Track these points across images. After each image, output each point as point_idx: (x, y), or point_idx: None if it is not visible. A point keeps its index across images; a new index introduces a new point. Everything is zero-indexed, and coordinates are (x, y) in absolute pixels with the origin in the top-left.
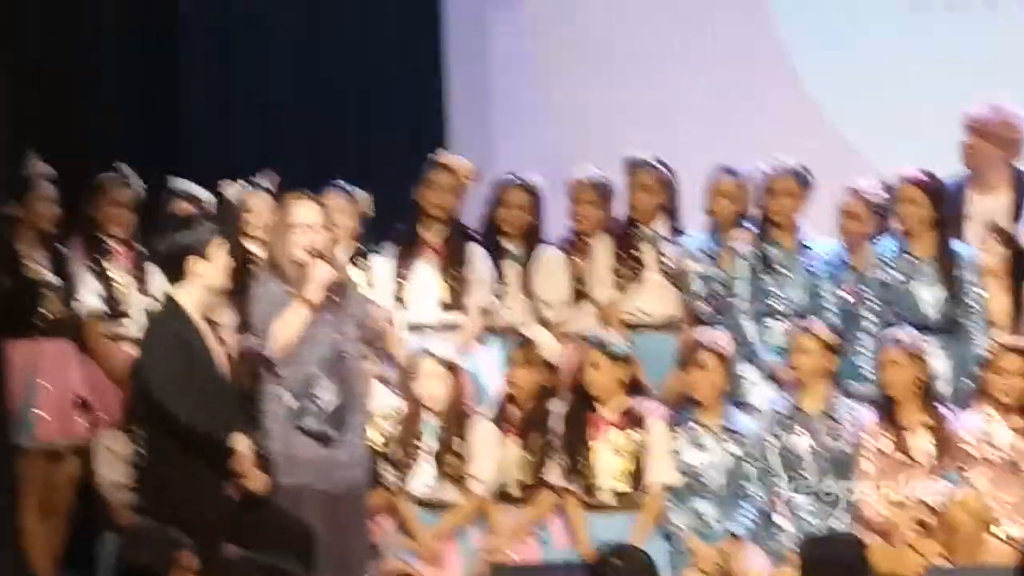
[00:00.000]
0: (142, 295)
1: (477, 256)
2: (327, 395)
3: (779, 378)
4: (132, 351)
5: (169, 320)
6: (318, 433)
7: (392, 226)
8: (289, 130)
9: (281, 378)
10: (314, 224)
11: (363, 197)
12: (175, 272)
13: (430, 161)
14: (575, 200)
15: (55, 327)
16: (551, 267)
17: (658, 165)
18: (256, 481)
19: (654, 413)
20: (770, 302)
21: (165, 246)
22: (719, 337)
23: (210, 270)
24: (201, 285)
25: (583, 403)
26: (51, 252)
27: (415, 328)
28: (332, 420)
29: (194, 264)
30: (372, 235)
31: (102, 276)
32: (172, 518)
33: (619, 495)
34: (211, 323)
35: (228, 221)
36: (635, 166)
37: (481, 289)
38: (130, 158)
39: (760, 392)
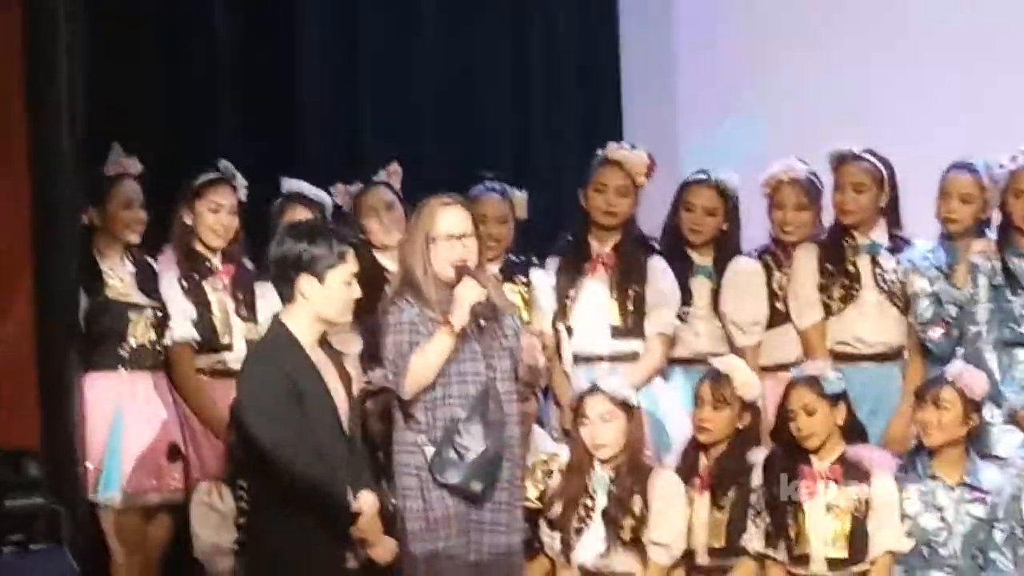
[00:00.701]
0: (246, 321)
1: (657, 270)
2: (475, 443)
3: None
4: (232, 387)
5: (274, 351)
6: (463, 489)
7: (555, 236)
8: (427, 122)
9: (418, 422)
10: (463, 234)
11: (518, 198)
12: (285, 292)
13: (598, 158)
14: (776, 203)
15: (143, 358)
16: (746, 283)
17: (872, 159)
18: (385, 550)
19: (880, 464)
20: (1017, 328)
21: (274, 257)
22: (970, 372)
23: (323, 296)
24: (311, 313)
25: (792, 453)
26: (138, 267)
27: (583, 359)
28: (480, 473)
29: (306, 285)
30: (531, 246)
31: (198, 297)
32: None
33: (835, 564)
34: (332, 353)
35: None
36: (843, 160)
37: (663, 311)
38: (235, 156)
39: (1008, 440)
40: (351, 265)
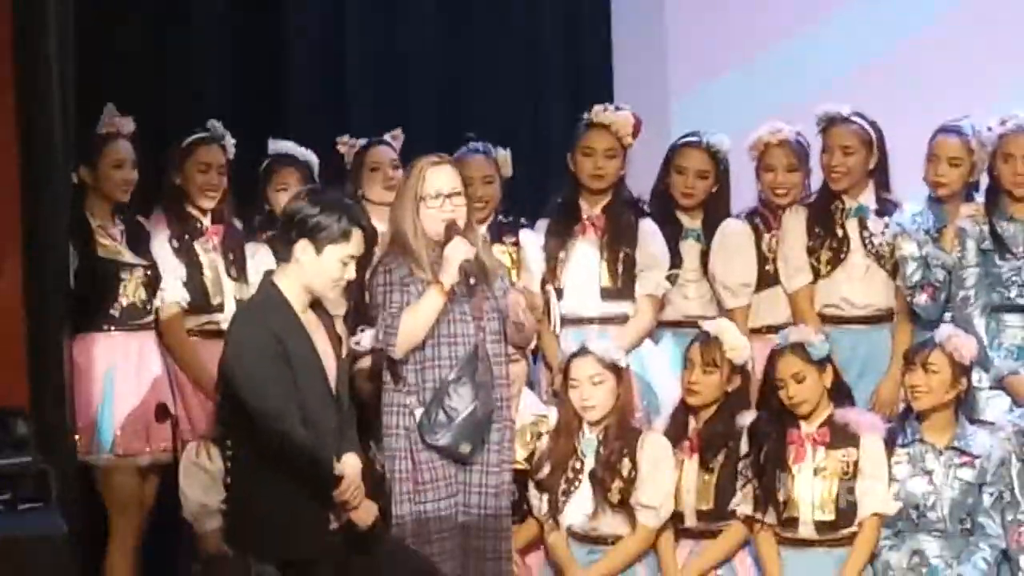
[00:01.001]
0: (236, 281)
1: (647, 233)
2: (463, 404)
3: (1017, 388)
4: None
5: (263, 311)
6: (451, 450)
7: (545, 197)
8: (414, 81)
9: (407, 384)
10: (452, 193)
11: (502, 156)
12: (283, 251)
13: (583, 121)
14: (765, 166)
15: (133, 318)
16: (735, 245)
17: (861, 121)
18: (366, 512)
19: (868, 427)
20: (1006, 292)
21: (286, 212)
22: (959, 336)
23: (316, 267)
24: (299, 279)
25: (779, 417)
26: (129, 226)
27: (572, 321)
28: (469, 435)
29: (302, 250)
30: (521, 207)
31: (189, 257)
32: (266, 552)
33: (823, 527)
34: (323, 315)
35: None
36: (832, 123)
37: (652, 273)
38: (225, 115)
39: (996, 405)
40: (353, 247)
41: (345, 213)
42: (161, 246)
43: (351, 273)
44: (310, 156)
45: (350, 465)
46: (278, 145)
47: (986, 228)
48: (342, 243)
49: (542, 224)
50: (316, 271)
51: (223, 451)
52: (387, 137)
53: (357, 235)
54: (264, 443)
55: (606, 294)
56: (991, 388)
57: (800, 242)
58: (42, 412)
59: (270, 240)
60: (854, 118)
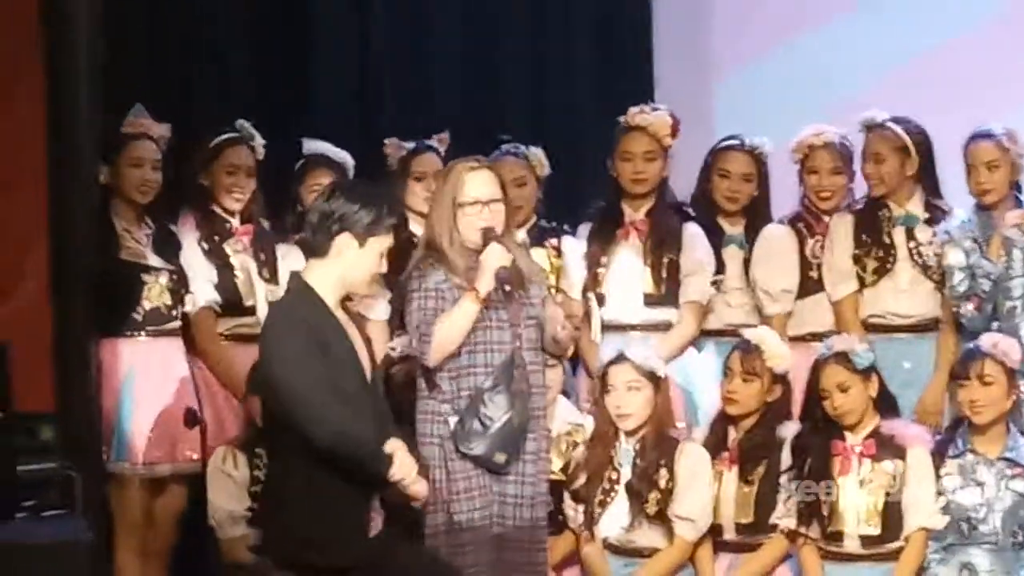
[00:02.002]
0: (268, 283)
1: (692, 237)
2: (499, 413)
3: None
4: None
5: (299, 305)
6: (486, 460)
7: (589, 202)
8: (446, 83)
9: (442, 392)
10: (491, 199)
11: (535, 155)
12: (321, 246)
13: (620, 126)
14: (809, 168)
15: (156, 322)
16: (777, 250)
17: (895, 127)
18: (422, 486)
19: (915, 439)
20: None
21: (320, 209)
22: (1010, 346)
23: (358, 259)
24: (338, 273)
25: (824, 429)
26: (156, 229)
27: (614, 328)
28: (504, 444)
29: (345, 244)
30: (564, 212)
31: (220, 259)
32: (299, 561)
33: (868, 541)
34: (354, 316)
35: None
36: (869, 129)
37: (697, 279)
38: (255, 114)
39: None
40: (390, 239)
41: (386, 206)
42: (191, 247)
43: (385, 266)
44: (345, 156)
45: (397, 445)
46: (312, 145)
47: None
48: (383, 236)
49: (584, 229)
50: (357, 264)
51: (250, 458)
52: (434, 140)
53: (389, 228)
54: (306, 433)
55: (649, 300)
56: None
57: (847, 250)
58: (68, 418)
59: (299, 240)
60: (890, 124)
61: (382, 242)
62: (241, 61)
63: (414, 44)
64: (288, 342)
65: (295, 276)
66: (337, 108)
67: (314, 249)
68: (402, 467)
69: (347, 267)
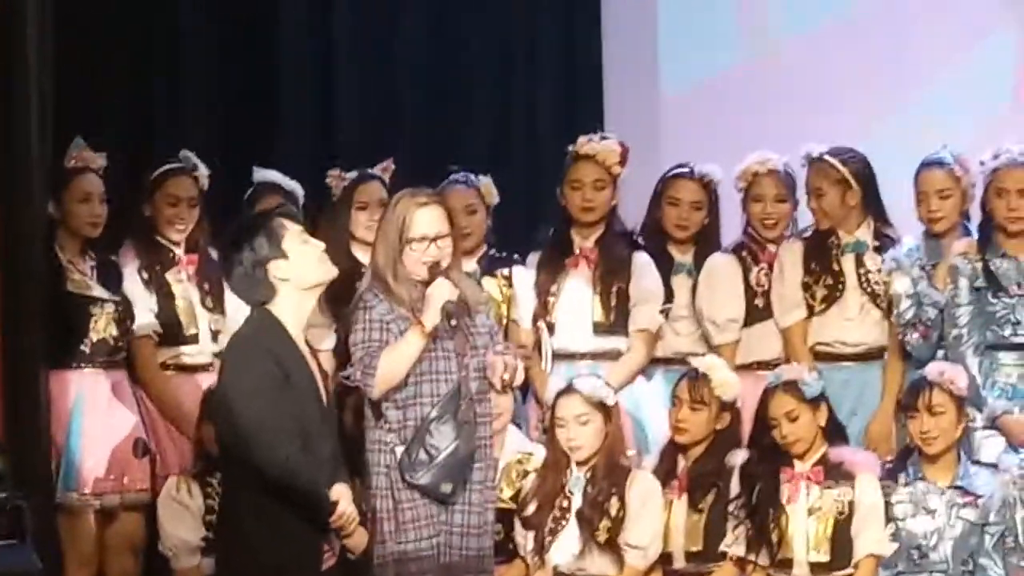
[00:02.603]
0: (212, 312)
1: (641, 266)
2: (445, 443)
3: (1010, 428)
4: (198, 381)
5: (262, 334)
6: (432, 490)
7: (536, 227)
8: (403, 110)
9: (388, 421)
10: (438, 235)
11: (484, 183)
12: (266, 293)
13: (569, 155)
14: (753, 196)
15: (103, 353)
16: (721, 280)
17: (831, 160)
18: (360, 538)
19: (864, 465)
20: (999, 331)
21: (237, 278)
22: (956, 374)
23: (297, 266)
24: (296, 290)
25: (772, 456)
26: (100, 261)
27: (564, 356)
28: (450, 474)
29: (277, 270)
30: (514, 242)
31: (160, 287)
32: None
33: (817, 568)
34: (310, 349)
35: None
36: (808, 164)
37: (647, 308)
38: (211, 144)
39: (991, 445)
40: (292, 227)
41: (257, 221)
42: (131, 277)
43: (318, 242)
44: (295, 186)
45: (342, 492)
46: (263, 174)
47: (979, 265)
48: (287, 233)
49: (533, 257)
50: (300, 268)
51: (203, 487)
52: (377, 169)
53: (285, 219)
54: (257, 468)
55: (599, 329)
56: (984, 428)
57: (796, 277)
58: (18, 447)
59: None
60: (827, 157)
61: (293, 236)
62: (199, 90)
63: (376, 71)
64: (247, 371)
65: (260, 308)
66: (297, 136)
67: (266, 296)
68: (342, 516)
69: (297, 280)
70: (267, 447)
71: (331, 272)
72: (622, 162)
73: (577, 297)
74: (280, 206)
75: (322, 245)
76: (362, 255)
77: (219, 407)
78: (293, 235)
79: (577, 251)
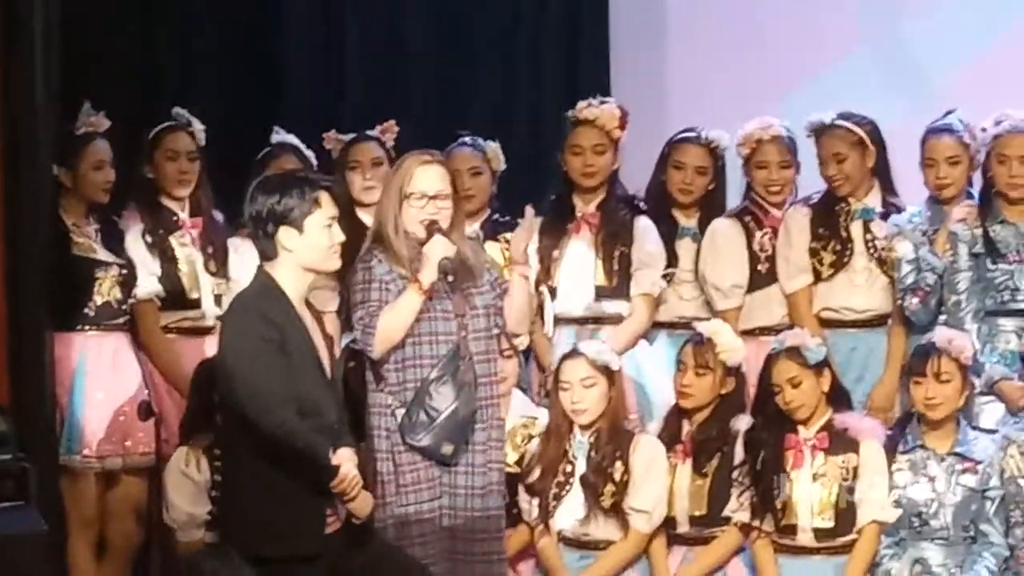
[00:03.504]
0: (216, 277)
1: (643, 230)
2: (444, 404)
3: (1009, 393)
4: (201, 345)
5: (260, 300)
6: (433, 451)
7: (542, 194)
8: (409, 78)
9: (388, 383)
10: (438, 194)
11: (491, 148)
12: (268, 248)
13: (569, 119)
14: (757, 163)
15: (108, 317)
16: (724, 246)
17: (847, 124)
18: (364, 503)
19: (868, 432)
20: (998, 297)
21: (250, 215)
22: (963, 343)
23: (306, 244)
24: (296, 264)
25: (776, 423)
26: (103, 224)
27: (566, 321)
28: (450, 435)
29: (286, 237)
30: (517, 206)
31: (164, 252)
32: (256, 553)
33: (822, 534)
34: (315, 313)
35: (338, 183)
36: (820, 131)
37: (648, 272)
38: (217, 111)
39: (990, 411)
40: (328, 209)
41: (305, 183)
42: (135, 241)
43: (339, 235)
44: (310, 153)
45: (345, 457)
46: (282, 135)
47: (978, 232)
48: (316, 211)
49: (536, 222)
50: (308, 249)
51: (211, 460)
52: (377, 130)
53: (325, 196)
54: (260, 435)
55: (600, 293)
56: (982, 394)
57: (803, 243)
58: (22, 409)
59: (255, 239)
60: (839, 122)
61: (320, 217)
62: (206, 54)
63: (383, 40)
64: (241, 335)
65: (260, 269)
66: (303, 106)
67: (265, 252)
68: (344, 481)
69: (299, 256)
70: (262, 411)
71: (334, 265)
72: (622, 126)
73: (579, 262)
74: (329, 181)
75: (341, 238)
76: (365, 216)
77: (217, 370)
78: (321, 215)
79: (579, 216)
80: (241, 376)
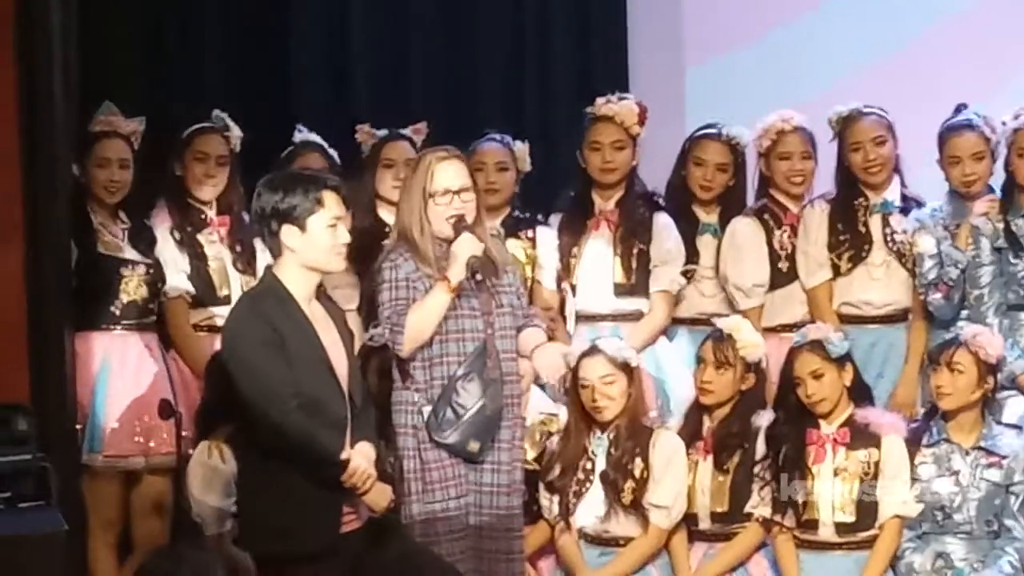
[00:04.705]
0: (244, 274)
1: (662, 227)
2: (471, 401)
3: None
4: None
5: (261, 300)
6: (459, 448)
7: (562, 191)
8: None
9: (415, 381)
10: (461, 189)
11: (520, 148)
12: (272, 246)
13: (588, 116)
14: (779, 155)
15: (134, 316)
16: (745, 245)
17: (877, 110)
18: (380, 495)
19: (890, 427)
20: (1021, 291)
21: (255, 212)
22: (985, 335)
23: (307, 243)
24: (299, 263)
25: (798, 418)
26: (132, 223)
27: (585, 318)
28: (477, 432)
29: (288, 236)
30: (537, 202)
31: (193, 249)
32: (268, 551)
33: (843, 529)
34: (335, 309)
35: (361, 180)
36: (852, 119)
37: (667, 269)
38: (233, 104)
39: (1014, 405)
40: (332, 209)
41: (309, 182)
42: (164, 238)
43: (344, 236)
44: (333, 153)
45: (360, 452)
46: (306, 134)
47: (1000, 225)
48: (319, 211)
49: (556, 219)
50: (310, 248)
51: (235, 451)
52: (408, 130)
53: (329, 196)
54: (264, 434)
55: (620, 290)
56: (1004, 388)
57: (822, 238)
58: (43, 408)
59: (261, 238)
60: (871, 109)
61: (323, 216)
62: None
63: (392, 34)
64: (239, 334)
65: (267, 269)
66: (314, 99)
67: (271, 250)
68: (354, 475)
69: (302, 255)
70: (262, 404)
71: (338, 266)
72: (641, 122)
73: (598, 259)
74: (336, 181)
75: (346, 239)
76: (387, 215)
77: (225, 366)
78: (325, 215)
79: (598, 212)
80: (240, 371)
